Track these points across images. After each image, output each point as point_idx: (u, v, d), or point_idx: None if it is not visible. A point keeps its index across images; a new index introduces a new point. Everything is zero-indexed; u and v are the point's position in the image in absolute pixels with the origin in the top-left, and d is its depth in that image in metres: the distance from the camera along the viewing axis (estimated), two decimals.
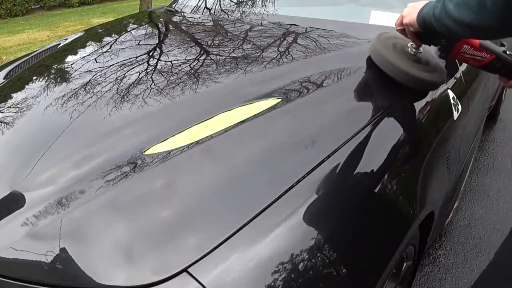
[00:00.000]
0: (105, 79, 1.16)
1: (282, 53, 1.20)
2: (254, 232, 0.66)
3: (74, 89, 1.13)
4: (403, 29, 1.02)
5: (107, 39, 1.58)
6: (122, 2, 10.58)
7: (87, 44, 1.58)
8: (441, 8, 0.82)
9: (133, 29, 1.67)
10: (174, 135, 0.88)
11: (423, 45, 1.07)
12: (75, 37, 1.75)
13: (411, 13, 0.97)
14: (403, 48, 1.11)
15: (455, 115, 1.21)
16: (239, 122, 0.89)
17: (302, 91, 1.01)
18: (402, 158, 0.91)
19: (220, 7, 1.74)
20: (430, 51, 1.18)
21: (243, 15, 1.62)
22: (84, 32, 1.82)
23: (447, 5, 0.79)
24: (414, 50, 1.09)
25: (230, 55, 1.22)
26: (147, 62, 1.24)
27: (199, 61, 1.20)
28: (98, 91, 1.09)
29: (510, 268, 0.78)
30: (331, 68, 1.10)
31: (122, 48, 1.41)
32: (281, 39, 1.31)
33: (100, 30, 1.77)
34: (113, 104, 1.01)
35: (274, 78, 1.06)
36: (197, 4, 1.83)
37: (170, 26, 1.65)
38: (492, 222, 1.84)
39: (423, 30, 0.95)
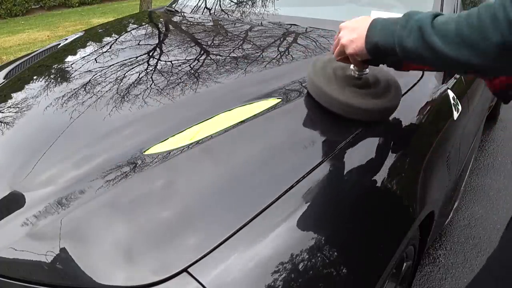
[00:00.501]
0: (105, 79, 1.16)
1: (282, 53, 1.20)
2: (254, 232, 0.66)
3: (74, 89, 1.13)
4: (346, 57, 0.84)
5: (107, 39, 1.58)
6: (122, 2, 10.58)
7: (87, 44, 1.58)
8: (417, 40, 0.66)
9: (133, 29, 1.67)
10: (174, 135, 0.88)
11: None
12: (75, 37, 1.75)
13: (354, 41, 0.78)
14: (345, 72, 0.94)
15: (455, 115, 1.21)
16: (239, 122, 0.89)
17: (302, 91, 1.01)
18: (402, 158, 0.91)
19: (220, 7, 1.74)
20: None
21: (243, 15, 1.62)
22: (84, 32, 1.82)
23: (430, 38, 0.64)
24: (357, 72, 0.92)
25: (230, 55, 1.22)
26: (147, 62, 1.24)
27: (199, 61, 1.20)
28: (98, 91, 1.09)
29: (500, 273, 0.75)
30: None
31: (122, 48, 1.41)
32: (281, 39, 1.31)
33: (100, 30, 1.77)
34: (113, 104, 1.01)
35: (274, 78, 1.06)
36: (197, 4, 1.83)
37: (170, 26, 1.65)
38: (492, 222, 1.84)
39: (375, 57, 0.78)
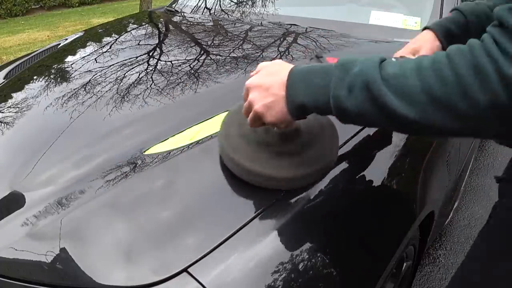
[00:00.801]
0: (105, 79, 1.16)
1: (282, 53, 1.20)
2: (254, 232, 0.66)
3: (74, 89, 1.13)
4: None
5: (107, 39, 1.58)
6: (122, 2, 10.58)
7: (87, 44, 1.58)
8: (363, 101, 0.49)
9: (133, 29, 1.67)
10: (174, 135, 0.88)
11: None
12: (75, 37, 1.75)
13: (271, 106, 0.58)
14: (267, 130, 0.72)
15: None
16: None
17: None
18: (402, 158, 0.91)
19: (220, 7, 1.74)
20: None
21: (243, 15, 1.62)
22: (84, 32, 1.82)
23: (383, 99, 0.47)
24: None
25: (230, 55, 1.22)
26: (147, 62, 1.24)
27: (199, 61, 1.20)
28: (98, 91, 1.09)
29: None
30: None
31: (122, 48, 1.41)
32: (281, 39, 1.31)
33: (100, 30, 1.77)
34: (113, 104, 1.01)
35: None
36: (197, 4, 1.83)
37: (170, 26, 1.65)
38: None
39: (300, 117, 0.60)
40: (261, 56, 1.19)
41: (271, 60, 1.14)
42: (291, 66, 0.59)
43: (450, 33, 0.78)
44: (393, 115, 0.48)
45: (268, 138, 0.71)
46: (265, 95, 0.59)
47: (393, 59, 0.51)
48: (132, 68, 1.20)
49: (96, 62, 1.31)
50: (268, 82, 0.59)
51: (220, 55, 1.23)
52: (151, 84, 1.09)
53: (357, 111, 0.50)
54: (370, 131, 0.90)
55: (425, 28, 0.85)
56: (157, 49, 1.36)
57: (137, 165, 0.80)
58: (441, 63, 0.46)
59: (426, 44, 0.80)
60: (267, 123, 0.61)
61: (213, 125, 0.89)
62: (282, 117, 0.58)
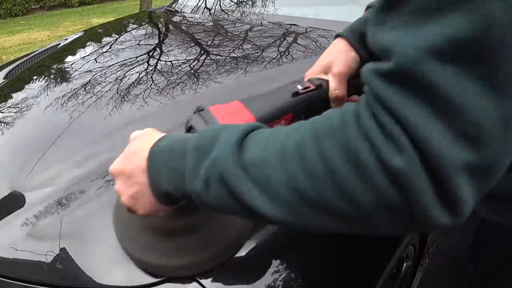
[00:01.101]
0: (105, 79, 1.16)
1: (282, 53, 1.20)
2: (254, 232, 0.65)
3: (74, 89, 1.13)
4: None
5: (107, 39, 1.58)
6: (122, 2, 10.59)
7: (87, 44, 1.58)
8: (224, 200, 0.38)
9: (133, 29, 1.67)
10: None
11: None
12: (75, 37, 1.75)
13: (137, 197, 0.47)
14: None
15: None
16: None
17: None
18: None
19: (220, 7, 1.74)
20: None
21: (243, 15, 1.62)
22: (84, 32, 1.82)
23: (241, 195, 0.36)
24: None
25: (230, 55, 1.22)
26: (147, 62, 1.24)
27: (199, 61, 1.20)
28: (98, 91, 1.09)
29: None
30: None
31: (122, 48, 1.41)
32: (281, 39, 1.31)
33: (100, 30, 1.78)
34: (113, 104, 1.01)
35: (274, 78, 1.06)
36: (197, 4, 1.83)
37: (170, 26, 1.65)
38: None
39: (177, 204, 0.49)
40: (261, 56, 1.19)
41: (271, 60, 1.15)
42: (157, 138, 0.47)
43: (365, 37, 0.62)
44: (259, 215, 0.36)
45: (179, 223, 0.58)
46: (129, 184, 0.47)
47: (265, 130, 0.40)
48: (132, 68, 1.20)
49: (96, 62, 1.31)
50: (129, 168, 0.47)
51: (220, 55, 1.23)
52: (151, 84, 1.09)
53: (222, 208, 0.40)
54: None
55: (336, 36, 0.67)
56: (157, 49, 1.36)
57: None
58: (307, 146, 0.33)
59: (339, 56, 0.63)
60: (140, 214, 0.49)
61: None
62: (154, 208, 0.47)
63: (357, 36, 0.63)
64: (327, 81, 0.64)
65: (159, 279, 0.59)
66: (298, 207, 0.35)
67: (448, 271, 0.50)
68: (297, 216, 0.35)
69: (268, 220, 0.37)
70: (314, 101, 0.62)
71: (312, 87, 0.63)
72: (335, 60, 0.63)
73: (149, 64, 1.22)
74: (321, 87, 0.63)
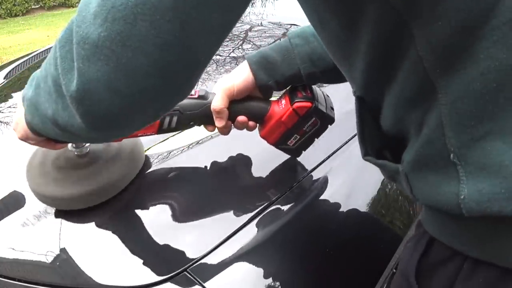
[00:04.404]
0: None
1: None
2: (254, 232, 0.66)
3: None
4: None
5: None
6: None
7: None
8: (25, 99, 0.52)
9: None
10: (174, 135, 0.88)
11: None
12: None
13: (19, 122, 0.59)
14: (67, 156, 0.74)
15: None
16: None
17: None
18: None
19: None
20: None
21: (243, 15, 1.62)
22: None
23: (27, 92, 0.51)
24: (76, 149, 0.74)
25: (230, 55, 1.22)
26: None
27: None
28: None
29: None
30: None
31: None
32: (281, 39, 1.31)
33: None
34: None
35: None
36: None
37: None
38: None
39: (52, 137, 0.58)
40: None
41: None
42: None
43: (267, 60, 0.67)
44: (37, 109, 0.49)
45: (81, 160, 0.73)
46: (17, 112, 0.61)
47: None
48: None
49: None
50: (17, 116, 0.61)
51: (220, 55, 1.23)
52: None
53: (33, 120, 0.53)
54: None
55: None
56: None
57: None
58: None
59: (238, 79, 0.68)
60: (19, 137, 0.62)
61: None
62: (28, 135, 0.59)
63: (257, 60, 0.67)
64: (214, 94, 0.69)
65: (159, 279, 0.59)
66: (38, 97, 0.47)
67: (400, 286, 0.49)
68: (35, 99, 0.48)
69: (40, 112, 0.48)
70: (194, 109, 0.69)
71: (196, 95, 0.69)
72: (236, 84, 0.67)
73: None
74: (204, 98, 0.69)
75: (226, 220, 0.67)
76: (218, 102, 0.67)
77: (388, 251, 0.80)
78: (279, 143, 0.72)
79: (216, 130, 0.73)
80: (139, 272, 0.60)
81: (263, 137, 0.72)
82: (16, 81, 1.32)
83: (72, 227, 0.69)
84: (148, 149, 0.84)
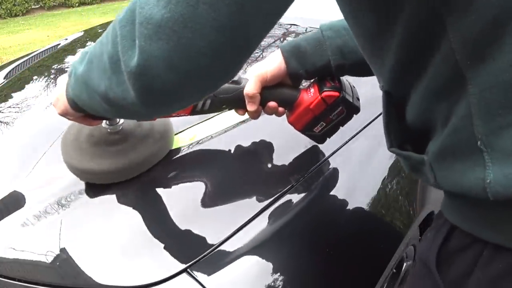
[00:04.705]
0: None
1: None
2: (254, 232, 0.66)
3: None
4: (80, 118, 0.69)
5: None
6: (122, 2, 10.58)
7: (87, 44, 1.58)
8: (74, 75, 0.55)
9: None
10: (173, 135, 0.88)
11: None
12: (75, 37, 1.75)
13: (59, 98, 0.64)
14: (100, 132, 0.79)
15: None
16: (239, 122, 0.89)
17: None
18: None
19: None
20: None
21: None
22: (84, 32, 1.82)
23: (77, 68, 0.54)
24: (109, 127, 0.78)
25: None
26: None
27: None
28: None
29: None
30: None
31: None
32: (281, 39, 1.31)
33: (100, 30, 1.77)
34: None
35: None
36: None
37: None
38: None
39: (89, 114, 0.64)
40: (261, 56, 1.19)
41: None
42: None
43: (299, 49, 0.69)
44: (83, 80, 0.53)
45: (114, 137, 0.79)
46: (58, 89, 0.66)
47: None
48: None
49: None
50: (63, 79, 0.64)
51: None
52: None
53: (78, 92, 0.57)
54: (370, 130, 0.90)
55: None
56: None
57: None
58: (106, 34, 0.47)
59: (271, 66, 0.70)
60: (58, 114, 0.68)
61: (213, 125, 0.89)
62: (66, 110, 0.64)
63: (290, 49, 0.70)
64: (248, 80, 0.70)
65: (159, 279, 0.59)
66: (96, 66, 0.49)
67: (422, 275, 0.51)
68: (104, 83, 0.48)
69: (85, 82, 0.52)
70: (227, 93, 0.72)
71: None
72: (269, 70, 0.70)
73: None
74: (237, 82, 0.72)
75: (226, 220, 0.68)
76: (251, 87, 0.69)
77: (388, 251, 0.80)
78: (305, 129, 0.74)
79: (246, 115, 0.76)
80: (139, 272, 0.61)
81: (290, 123, 0.75)
82: (16, 81, 1.32)
83: (72, 227, 0.69)
84: None
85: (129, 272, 0.61)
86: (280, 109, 0.73)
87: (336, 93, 0.69)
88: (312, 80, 0.74)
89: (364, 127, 0.90)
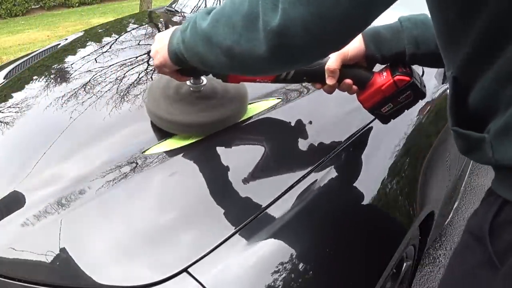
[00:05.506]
0: (105, 79, 1.16)
1: None
2: (254, 232, 0.66)
3: (74, 89, 1.13)
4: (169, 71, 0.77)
5: (107, 39, 1.58)
6: (122, 2, 10.58)
7: (87, 44, 1.58)
8: (191, 29, 0.61)
9: (133, 29, 1.67)
10: (173, 135, 0.87)
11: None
12: (75, 37, 1.75)
13: (159, 51, 0.72)
14: (183, 89, 0.89)
15: None
16: (239, 122, 0.89)
17: (302, 91, 1.01)
18: (402, 158, 0.91)
19: None
20: None
21: None
22: (84, 32, 1.82)
23: (199, 24, 0.58)
24: (193, 85, 0.88)
25: None
26: (147, 62, 1.24)
27: None
28: (98, 91, 1.09)
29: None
30: None
31: (122, 48, 1.41)
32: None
33: (100, 30, 1.77)
34: (113, 104, 1.01)
35: None
36: (197, 4, 1.83)
37: (170, 26, 1.65)
38: None
39: (182, 67, 0.74)
40: None
41: None
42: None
43: (378, 35, 0.75)
44: (209, 41, 0.57)
45: (196, 95, 0.88)
46: (158, 43, 0.73)
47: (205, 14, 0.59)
48: (132, 68, 1.20)
49: (96, 62, 1.31)
50: (163, 35, 0.72)
51: None
52: None
53: (192, 45, 0.61)
54: (370, 131, 0.90)
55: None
56: None
57: (137, 165, 0.80)
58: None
59: (352, 46, 0.77)
60: (155, 65, 0.75)
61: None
62: (165, 62, 0.72)
63: (370, 34, 0.76)
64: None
65: (159, 279, 0.59)
66: (223, 23, 0.54)
67: (471, 246, 0.54)
68: (221, 29, 0.54)
69: (205, 38, 0.57)
70: (312, 66, 0.77)
71: None
72: (350, 50, 0.76)
73: (149, 64, 1.22)
74: None
75: (226, 220, 0.67)
76: (333, 63, 0.75)
77: (388, 251, 0.80)
78: (374, 109, 0.79)
79: (321, 89, 0.81)
80: (139, 272, 0.60)
81: (361, 100, 0.80)
82: (16, 81, 1.32)
83: (72, 227, 0.69)
84: (148, 149, 0.84)
85: (129, 272, 0.61)
86: (354, 87, 0.78)
87: (407, 78, 0.74)
88: (384, 66, 0.79)
89: (364, 127, 0.90)
